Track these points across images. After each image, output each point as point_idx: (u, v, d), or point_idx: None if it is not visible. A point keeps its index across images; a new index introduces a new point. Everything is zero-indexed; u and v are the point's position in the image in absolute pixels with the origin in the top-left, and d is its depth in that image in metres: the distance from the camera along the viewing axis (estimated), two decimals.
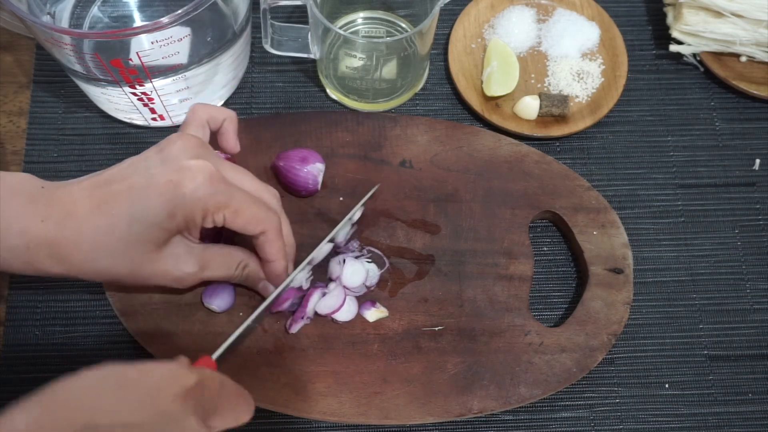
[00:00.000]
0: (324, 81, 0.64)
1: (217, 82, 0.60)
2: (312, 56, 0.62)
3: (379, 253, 0.57)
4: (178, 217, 0.45)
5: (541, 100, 0.62)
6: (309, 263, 0.54)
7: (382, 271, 0.57)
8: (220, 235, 0.55)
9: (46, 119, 0.63)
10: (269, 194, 0.51)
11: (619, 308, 0.56)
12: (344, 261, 0.55)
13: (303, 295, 0.54)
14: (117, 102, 0.58)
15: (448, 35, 0.66)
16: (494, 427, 0.55)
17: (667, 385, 0.56)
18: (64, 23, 0.60)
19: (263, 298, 0.53)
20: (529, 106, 0.62)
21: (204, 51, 0.57)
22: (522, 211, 0.59)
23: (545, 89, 0.65)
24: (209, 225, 0.47)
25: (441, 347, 0.54)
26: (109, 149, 0.62)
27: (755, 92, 0.64)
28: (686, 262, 0.60)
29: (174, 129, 0.62)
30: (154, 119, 0.61)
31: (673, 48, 0.65)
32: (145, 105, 0.58)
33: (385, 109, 0.64)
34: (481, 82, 0.64)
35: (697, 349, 0.57)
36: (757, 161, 0.64)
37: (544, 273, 0.59)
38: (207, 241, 0.53)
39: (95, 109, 0.62)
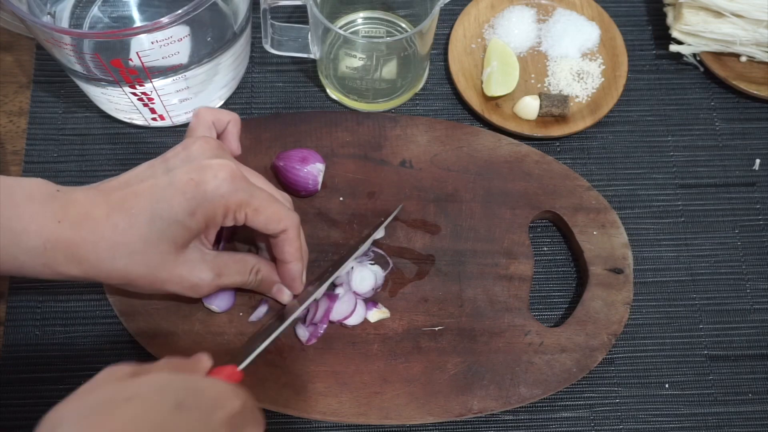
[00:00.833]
0: (324, 81, 0.64)
1: (217, 82, 0.60)
2: (312, 56, 0.62)
3: (383, 253, 0.57)
4: (199, 215, 0.45)
5: (541, 100, 0.62)
6: (332, 282, 0.54)
7: (387, 272, 0.57)
8: (231, 237, 0.55)
9: (46, 119, 0.63)
10: (282, 197, 0.51)
11: (619, 308, 0.56)
12: (351, 268, 0.55)
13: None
14: (117, 102, 0.58)
15: (448, 35, 0.66)
16: (494, 427, 0.55)
17: (667, 385, 0.56)
18: (64, 23, 0.60)
19: (276, 302, 0.54)
20: (529, 106, 0.62)
21: (204, 51, 0.57)
22: (522, 211, 0.59)
23: (545, 89, 0.65)
24: (230, 223, 0.47)
25: (441, 347, 0.54)
26: (109, 149, 0.62)
27: (755, 92, 0.64)
28: (686, 262, 0.60)
29: (174, 129, 0.62)
30: (154, 119, 0.61)
31: (673, 48, 0.65)
32: (145, 105, 0.58)
33: (385, 109, 0.64)
34: (481, 82, 0.64)
35: (697, 349, 0.57)
36: (757, 161, 0.64)
37: (544, 273, 0.59)
38: (216, 246, 0.53)
39: (95, 109, 0.62)
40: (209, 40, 0.58)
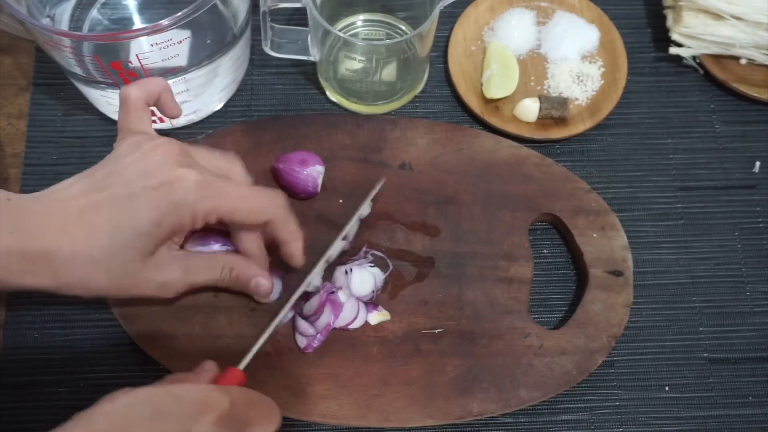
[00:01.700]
0: (324, 83, 0.64)
1: (216, 84, 0.60)
2: (312, 59, 0.62)
3: (382, 255, 0.57)
4: (165, 225, 0.45)
5: (540, 103, 0.62)
6: (326, 261, 0.54)
7: (386, 274, 0.57)
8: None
9: (45, 122, 0.62)
10: (273, 193, 0.50)
11: (618, 311, 0.56)
12: (351, 270, 0.55)
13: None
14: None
15: (448, 38, 0.66)
16: (494, 429, 0.54)
17: (667, 388, 0.56)
18: (64, 26, 0.60)
19: (254, 298, 0.54)
20: (529, 109, 0.62)
21: (204, 53, 0.57)
22: (522, 214, 0.59)
23: (545, 92, 0.65)
24: (199, 226, 0.47)
25: (441, 350, 0.54)
26: (109, 151, 0.61)
27: (755, 95, 0.64)
28: (686, 265, 0.60)
29: (173, 132, 0.62)
30: (153, 122, 0.61)
31: (673, 50, 0.65)
32: None
33: (385, 111, 0.64)
34: (481, 84, 0.64)
35: (697, 352, 0.57)
36: (757, 164, 0.64)
37: (543, 275, 0.59)
38: (212, 240, 0.53)
39: (95, 111, 0.62)
40: (209, 43, 0.58)
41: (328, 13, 0.63)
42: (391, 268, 0.57)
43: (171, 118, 0.52)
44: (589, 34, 0.66)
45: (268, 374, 0.53)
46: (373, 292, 0.55)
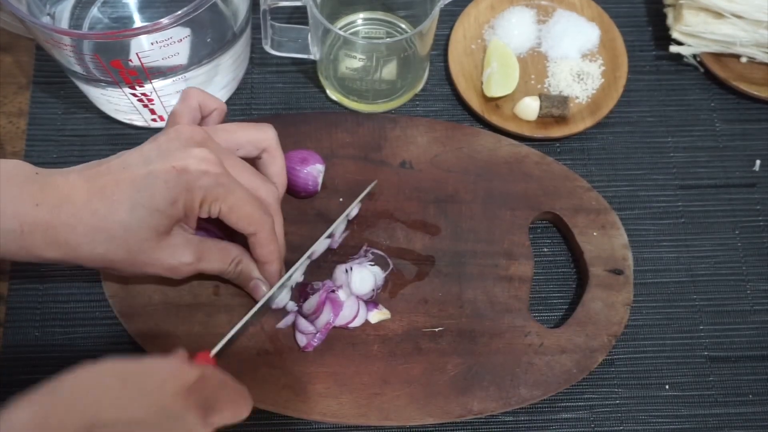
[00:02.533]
0: (324, 82, 0.64)
1: (217, 82, 0.60)
2: (312, 57, 0.62)
3: (383, 254, 0.57)
4: (180, 204, 0.46)
5: (541, 101, 0.62)
6: (309, 258, 0.54)
7: (387, 273, 0.57)
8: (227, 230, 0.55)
9: (45, 120, 0.62)
10: (267, 190, 0.50)
11: (619, 309, 0.56)
12: (351, 269, 0.55)
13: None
14: (117, 103, 0.58)
15: (448, 36, 0.66)
16: (494, 428, 0.54)
17: (667, 386, 0.56)
18: (64, 24, 0.60)
19: (252, 297, 0.54)
20: (529, 107, 0.62)
21: (204, 52, 0.57)
22: (522, 212, 0.59)
23: (545, 90, 0.65)
24: (204, 215, 0.48)
25: (441, 348, 0.54)
26: (109, 150, 0.62)
27: (755, 93, 0.64)
28: (686, 263, 0.60)
29: None
30: (153, 120, 0.61)
31: (673, 49, 0.65)
32: (145, 106, 0.58)
33: (385, 110, 0.64)
34: (481, 83, 0.64)
35: (698, 350, 0.57)
36: (758, 162, 0.64)
37: (544, 274, 0.59)
38: (211, 234, 0.53)
39: (95, 110, 0.62)
40: (209, 41, 0.58)
41: (328, 11, 0.63)
42: (391, 266, 0.57)
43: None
44: (590, 33, 0.66)
45: (269, 373, 0.53)
46: (373, 290, 0.55)
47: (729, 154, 0.64)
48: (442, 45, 0.66)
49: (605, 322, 0.55)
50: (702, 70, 0.67)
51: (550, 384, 0.53)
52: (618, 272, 0.57)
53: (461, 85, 0.64)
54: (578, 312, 0.56)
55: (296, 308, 0.55)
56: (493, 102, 0.63)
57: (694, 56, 0.66)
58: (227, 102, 0.64)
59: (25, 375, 0.54)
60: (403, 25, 0.65)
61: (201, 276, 0.52)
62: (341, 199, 0.59)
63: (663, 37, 0.67)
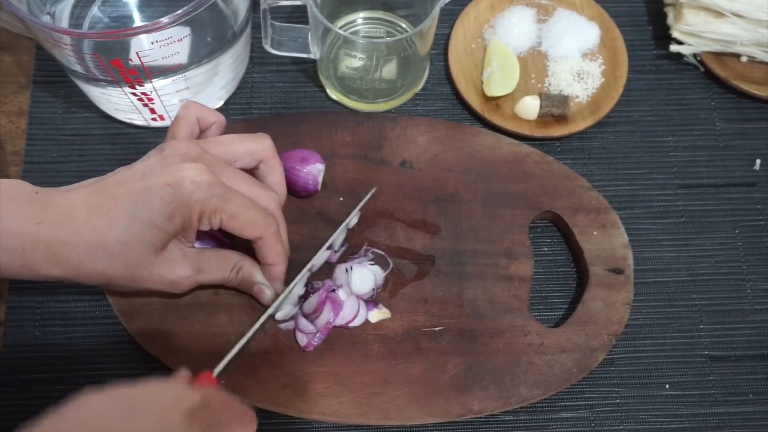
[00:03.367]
0: (324, 81, 0.64)
1: (217, 82, 0.60)
2: (312, 56, 0.62)
3: (383, 253, 0.57)
4: (177, 218, 0.46)
5: (541, 101, 0.62)
6: (309, 270, 0.54)
7: (387, 272, 0.57)
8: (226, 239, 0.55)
9: (45, 119, 0.62)
10: (268, 197, 0.51)
11: (619, 309, 0.56)
12: (351, 268, 0.55)
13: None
14: (117, 102, 0.58)
15: (448, 35, 0.66)
16: (494, 427, 0.54)
17: (667, 386, 0.56)
18: (64, 23, 0.60)
19: (257, 301, 0.54)
20: (530, 107, 0.62)
21: (204, 51, 0.57)
22: (522, 212, 0.59)
23: (545, 89, 0.65)
24: (205, 227, 0.48)
25: (441, 348, 0.54)
26: (109, 149, 0.62)
27: (756, 92, 0.64)
28: (687, 263, 0.60)
29: None
30: (154, 119, 0.61)
31: (674, 48, 0.65)
32: (145, 105, 0.58)
33: (385, 109, 0.64)
34: (482, 82, 0.64)
35: (698, 350, 0.57)
36: (758, 161, 0.64)
37: (544, 273, 0.59)
38: (213, 243, 0.53)
39: (95, 109, 0.62)
40: (209, 41, 0.58)
41: (328, 10, 0.63)
42: (391, 266, 0.57)
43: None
44: (590, 32, 0.66)
45: (269, 372, 0.53)
46: (373, 290, 0.55)
47: (729, 154, 0.64)
48: (442, 44, 0.66)
49: (605, 321, 0.55)
50: (702, 69, 0.67)
51: (551, 383, 0.53)
52: (618, 271, 0.57)
53: (461, 84, 0.64)
54: (578, 311, 0.56)
55: (297, 308, 0.55)
56: (493, 101, 0.63)
57: (695, 55, 0.66)
58: (227, 101, 0.64)
59: (25, 375, 0.54)
60: (404, 25, 0.65)
61: (203, 287, 0.53)
62: (341, 199, 0.59)
63: (663, 36, 0.67)
